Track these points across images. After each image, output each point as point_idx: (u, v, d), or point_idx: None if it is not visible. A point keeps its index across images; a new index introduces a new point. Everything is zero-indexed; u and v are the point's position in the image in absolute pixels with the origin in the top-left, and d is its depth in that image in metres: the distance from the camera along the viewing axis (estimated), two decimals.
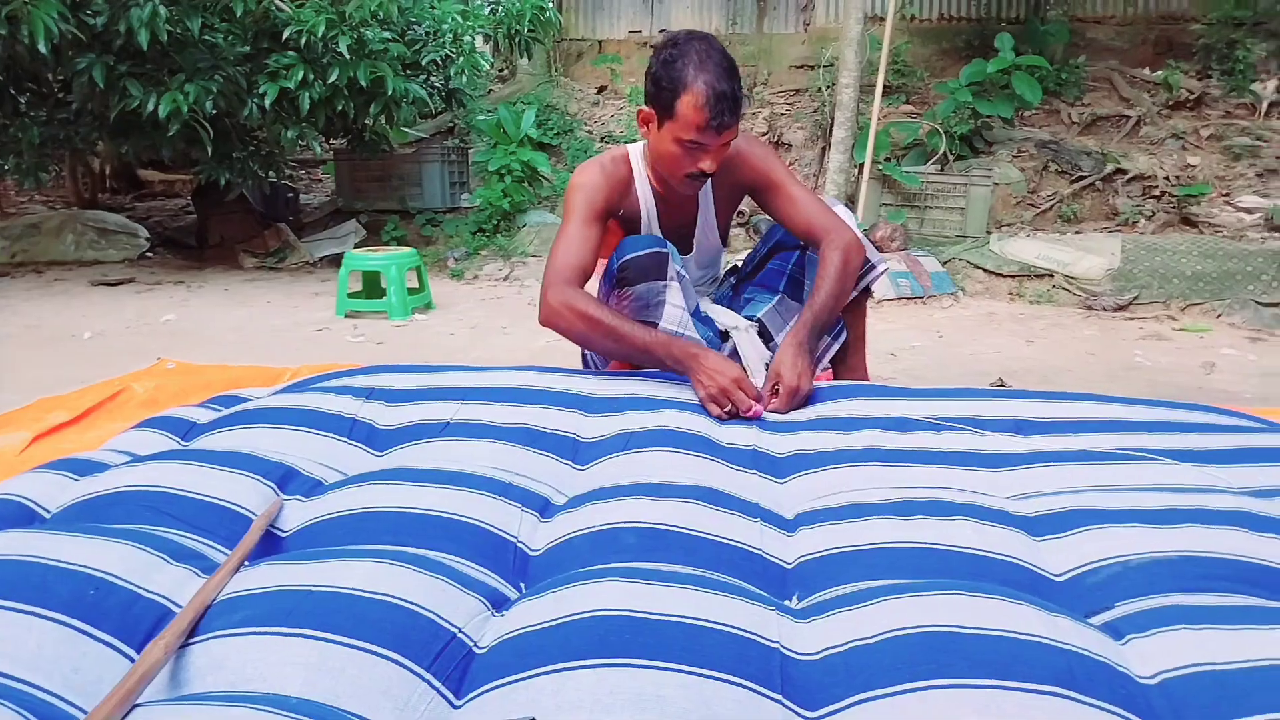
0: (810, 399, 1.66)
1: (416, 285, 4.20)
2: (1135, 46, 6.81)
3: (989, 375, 2.94)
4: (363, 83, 4.41)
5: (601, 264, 1.92)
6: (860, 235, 1.88)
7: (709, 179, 1.82)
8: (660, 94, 1.71)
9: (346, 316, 4.01)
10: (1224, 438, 1.45)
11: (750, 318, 1.99)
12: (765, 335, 1.97)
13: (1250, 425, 1.56)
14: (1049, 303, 4.44)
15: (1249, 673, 0.79)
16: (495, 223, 5.30)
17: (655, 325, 1.77)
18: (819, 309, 1.78)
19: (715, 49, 1.70)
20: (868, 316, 2.10)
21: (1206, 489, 1.22)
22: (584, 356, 2.10)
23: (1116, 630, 0.89)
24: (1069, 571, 1.03)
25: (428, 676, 0.81)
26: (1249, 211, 5.24)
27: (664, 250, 1.81)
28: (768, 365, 1.91)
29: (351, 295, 4.10)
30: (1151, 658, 0.84)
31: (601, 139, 6.54)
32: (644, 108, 1.78)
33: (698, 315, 1.97)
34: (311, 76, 4.42)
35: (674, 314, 1.80)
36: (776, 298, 2.01)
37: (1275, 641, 0.82)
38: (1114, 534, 1.07)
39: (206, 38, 4.39)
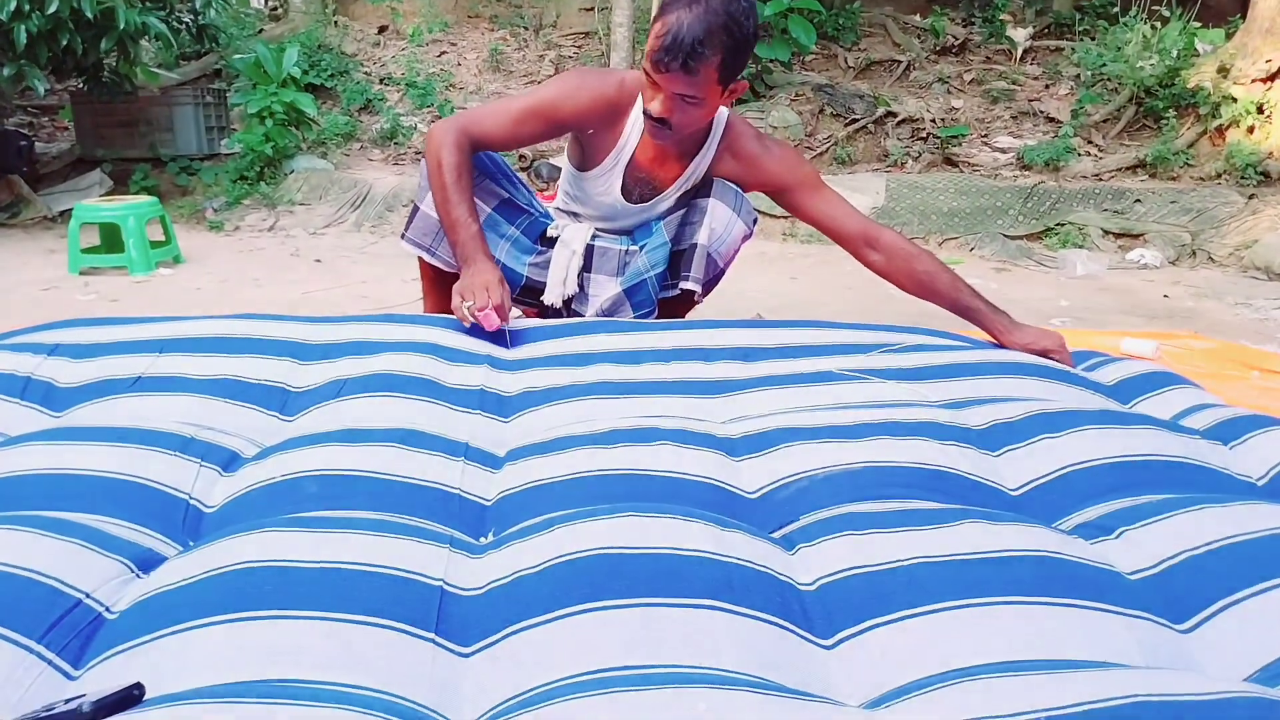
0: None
1: (162, 237, 3.87)
2: None
3: (750, 312, 3.02)
4: (89, 14, 3.97)
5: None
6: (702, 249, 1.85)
7: (666, 138, 1.73)
8: (655, 14, 1.68)
9: (80, 274, 3.65)
10: (932, 356, 1.53)
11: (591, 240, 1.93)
12: (587, 266, 1.92)
13: (958, 344, 1.66)
14: (819, 242, 4.61)
15: (896, 572, 0.82)
16: (258, 170, 4.95)
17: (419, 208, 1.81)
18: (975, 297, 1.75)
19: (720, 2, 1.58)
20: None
21: (903, 403, 1.27)
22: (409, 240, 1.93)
23: (790, 541, 0.91)
24: (761, 488, 1.05)
25: (38, 648, 0.72)
26: (1003, 151, 5.63)
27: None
28: (568, 300, 1.90)
29: (88, 250, 3.73)
30: (813, 565, 0.85)
31: (381, 80, 6.24)
32: None
33: (515, 215, 1.92)
34: (27, 6, 3.92)
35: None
36: (629, 245, 1.92)
37: (926, 541, 0.86)
38: (806, 450, 1.09)
39: None
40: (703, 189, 1.89)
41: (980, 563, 0.81)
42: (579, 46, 6.91)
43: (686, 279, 1.88)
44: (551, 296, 1.90)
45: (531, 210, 1.97)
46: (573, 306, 1.93)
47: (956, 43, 6.68)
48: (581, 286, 1.92)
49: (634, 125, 1.83)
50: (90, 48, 4.21)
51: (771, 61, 5.98)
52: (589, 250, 1.92)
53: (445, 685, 0.71)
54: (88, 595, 0.78)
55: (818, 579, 0.83)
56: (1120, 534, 0.88)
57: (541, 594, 0.77)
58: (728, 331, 1.63)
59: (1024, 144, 5.57)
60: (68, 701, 0.64)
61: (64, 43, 4.08)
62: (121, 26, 4.06)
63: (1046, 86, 6.33)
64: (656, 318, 1.94)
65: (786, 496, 1.03)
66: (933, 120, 5.90)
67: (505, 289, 1.63)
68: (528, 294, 1.93)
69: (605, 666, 0.70)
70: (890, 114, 5.95)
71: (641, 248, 1.90)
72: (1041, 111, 6.02)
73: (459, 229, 1.69)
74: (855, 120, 5.93)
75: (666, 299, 1.93)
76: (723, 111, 1.85)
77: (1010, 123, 6.03)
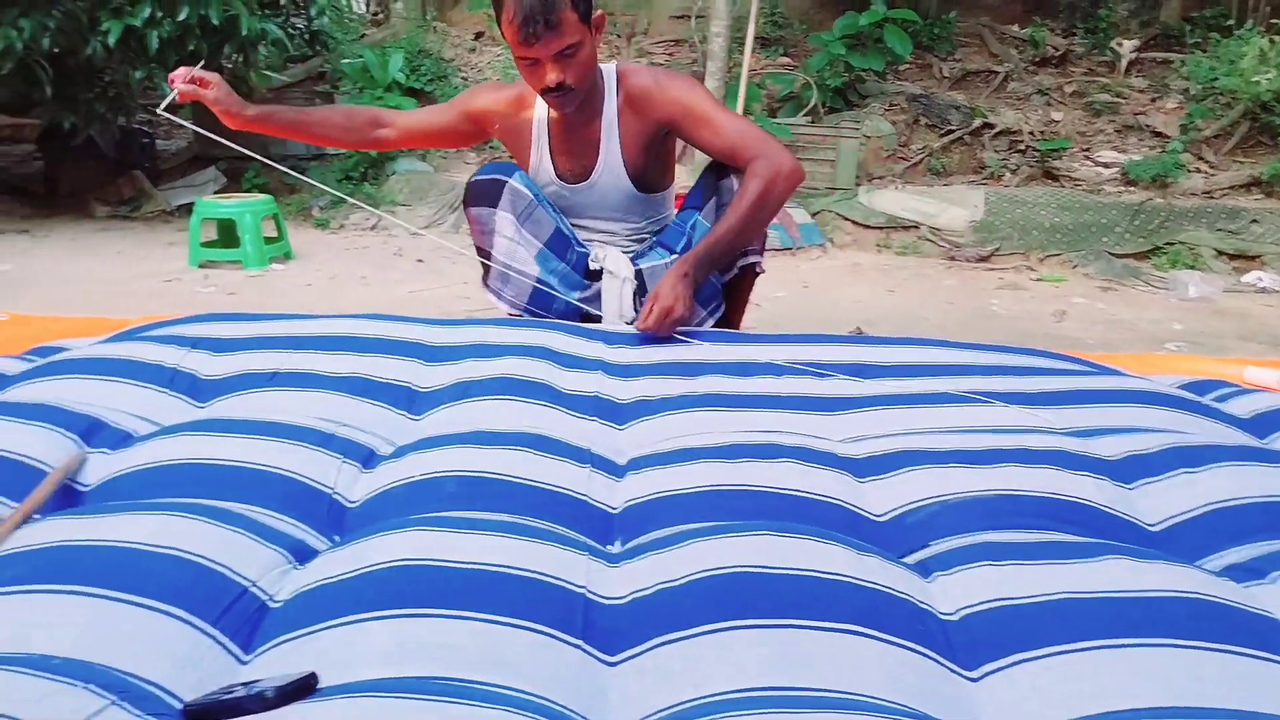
0: (683, 326, 1.64)
1: (275, 234, 4.02)
2: (1005, 3, 6.99)
3: (849, 324, 3.00)
4: (215, 21, 4.16)
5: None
6: (796, 163, 1.79)
7: (574, 100, 1.78)
8: (495, 12, 1.71)
9: (200, 267, 3.81)
10: (1055, 380, 1.50)
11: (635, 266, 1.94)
12: (643, 290, 1.91)
13: (1080, 369, 1.62)
14: (914, 254, 4.56)
15: (1042, 607, 0.81)
16: (362, 171, 5.11)
17: (491, 253, 1.84)
18: (716, 239, 1.73)
19: None
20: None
21: (1029, 429, 1.25)
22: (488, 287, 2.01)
23: (926, 568, 0.91)
24: (890, 512, 1.04)
25: (213, 632, 0.77)
26: (1106, 166, 5.47)
27: (503, 178, 1.81)
28: (629, 323, 1.88)
29: (206, 245, 3.90)
30: (954, 594, 0.85)
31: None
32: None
33: (566, 249, 1.92)
34: (159, 13, 4.13)
35: (502, 244, 1.82)
36: (670, 257, 1.92)
37: (1071, 575, 0.84)
38: (935, 474, 1.09)
39: None
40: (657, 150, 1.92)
41: (1130, 601, 0.80)
42: (670, 54, 6.94)
43: (747, 254, 1.90)
44: (612, 324, 1.88)
45: (573, 241, 1.97)
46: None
47: (1057, 54, 6.52)
48: (636, 311, 1.90)
49: (539, 114, 1.92)
50: (214, 52, 4.40)
51: (865, 71, 5.92)
52: (639, 275, 1.92)
53: (593, 692, 0.73)
54: (253, 583, 0.83)
55: (960, 609, 0.83)
56: (1275, 578, 0.86)
57: (686, 608, 0.78)
58: (840, 347, 1.62)
59: (1129, 159, 5.41)
60: (246, 686, 0.68)
61: (190, 48, 4.27)
62: (244, 33, 4.23)
63: (1153, 100, 6.14)
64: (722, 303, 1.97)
65: (916, 521, 1.02)
66: (1031, 132, 5.78)
67: (221, 88, 1.79)
68: (586, 323, 1.92)
69: (754, 686, 0.71)
70: (987, 125, 5.84)
71: (682, 251, 1.90)
72: (1148, 126, 5.84)
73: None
74: (951, 131, 5.84)
75: (726, 282, 1.95)
76: (610, 66, 1.90)
77: (1114, 137, 5.86)
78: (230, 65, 4.88)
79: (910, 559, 0.95)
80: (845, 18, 5.81)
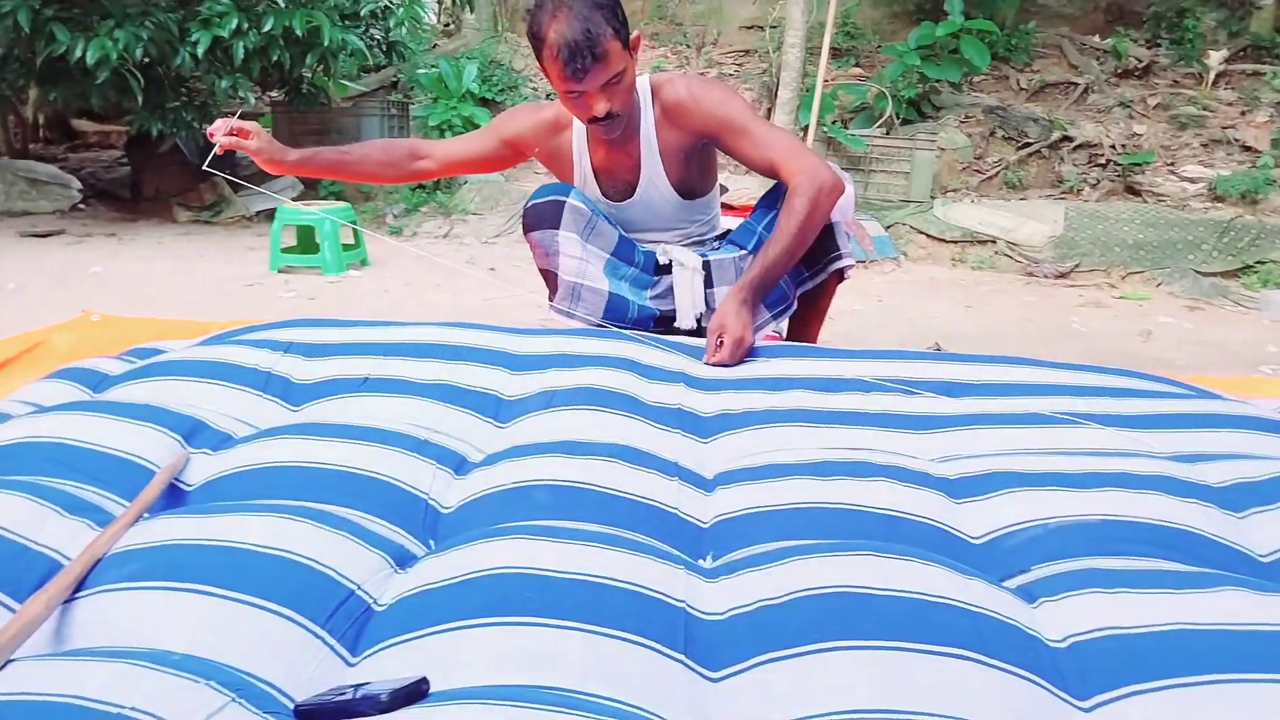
0: (751, 354, 1.64)
1: (352, 241, 4.11)
2: (1086, 13, 6.85)
3: (926, 340, 2.95)
4: (299, 32, 4.28)
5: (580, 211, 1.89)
6: (840, 174, 1.80)
7: (620, 124, 1.78)
8: (534, 49, 1.72)
9: (280, 271, 3.91)
10: (1152, 403, 1.46)
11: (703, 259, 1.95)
12: (708, 282, 1.94)
13: (1179, 391, 1.57)
14: (991, 269, 4.48)
15: (1157, 637, 0.78)
16: (435, 180, 5.20)
17: (555, 275, 1.84)
18: (769, 264, 1.72)
19: None
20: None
21: (1131, 453, 1.21)
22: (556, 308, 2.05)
23: (1030, 593, 0.89)
24: (987, 534, 1.02)
25: (322, 634, 0.78)
26: (1192, 181, 5.32)
27: (561, 199, 1.81)
28: (699, 318, 1.90)
29: (286, 250, 4.00)
30: (1062, 621, 0.83)
31: (546, 95, 6.43)
32: None
33: (632, 252, 1.94)
34: (246, 25, 4.27)
35: (569, 264, 1.83)
36: (740, 253, 1.94)
37: (1185, 606, 0.82)
38: (1034, 497, 1.06)
39: None
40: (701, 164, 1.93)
41: (1249, 635, 0.77)
42: (739, 65, 6.93)
43: (838, 258, 1.89)
44: (684, 320, 1.92)
45: (636, 244, 1.99)
46: (702, 324, 1.93)
47: (1140, 65, 6.36)
48: (708, 303, 1.94)
49: (578, 134, 1.92)
50: (297, 62, 4.52)
51: (939, 82, 5.84)
52: (705, 267, 1.93)
53: (697, 708, 0.73)
54: (359, 587, 0.84)
55: (1068, 636, 0.81)
56: None
57: (788, 626, 0.78)
58: (925, 364, 1.60)
59: (1216, 174, 5.25)
60: (356, 688, 0.69)
61: (274, 58, 4.39)
62: (326, 43, 4.34)
63: (1242, 113, 5.95)
64: (797, 311, 1.98)
65: (1015, 545, 1.00)
66: (1113, 146, 5.64)
67: (261, 136, 1.81)
68: (661, 324, 1.94)
69: (859, 708, 0.70)
70: (1066, 138, 5.72)
71: (752, 250, 1.90)
72: (1237, 140, 5.66)
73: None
74: (1028, 144, 5.73)
75: (807, 291, 1.94)
76: (644, 79, 1.88)
77: (1200, 151, 5.69)
78: (309, 75, 5.01)
79: (1010, 583, 0.93)
80: (921, 28, 5.75)
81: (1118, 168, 5.42)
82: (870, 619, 0.77)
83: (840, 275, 1.94)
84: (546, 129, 1.96)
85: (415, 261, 4.20)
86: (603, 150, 1.91)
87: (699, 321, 1.93)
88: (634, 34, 1.74)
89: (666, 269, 1.94)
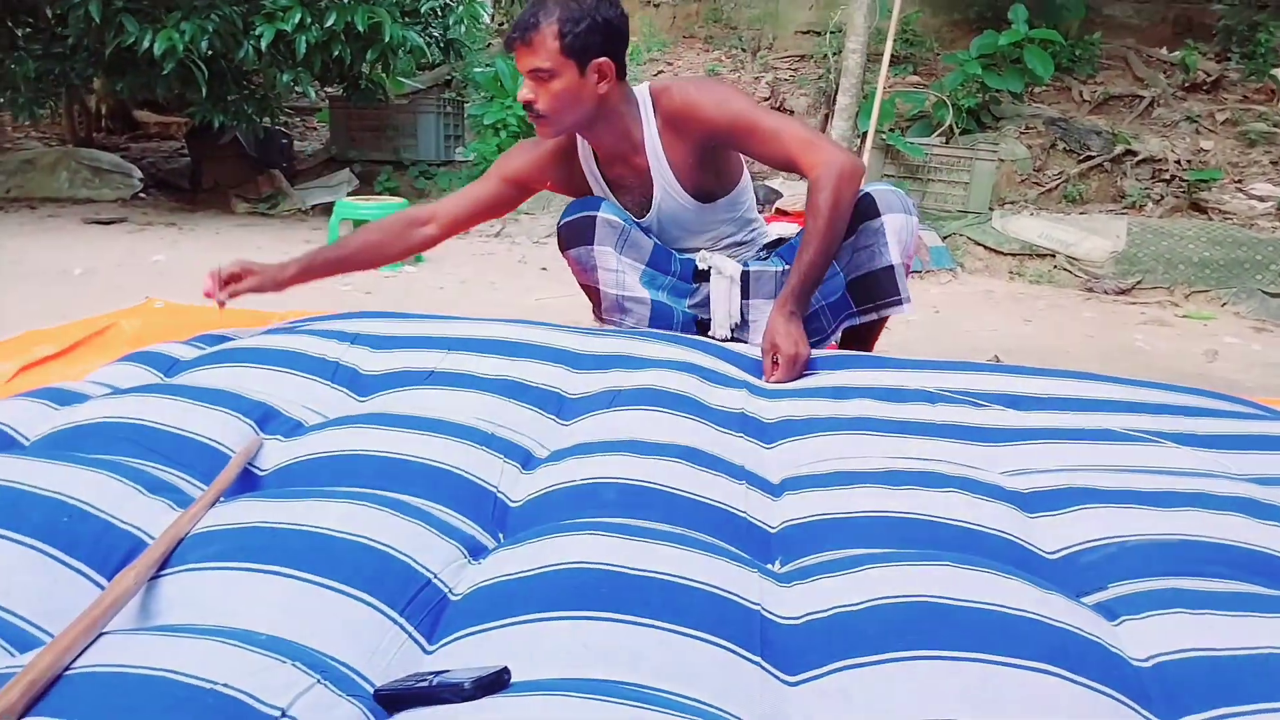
0: (809, 365, 1.62)
1: None
2: (1153, 25, 6.71)
3: (984, 353, 2.91)
4: (360, 28, 4.33)
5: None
6: (852, 157, 1.73)
7: (546, 125, 1.77)
8: None
9: None
10: (1226, 423, 1.43)
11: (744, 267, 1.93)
12: (745, 293, 1.92)
13: (1253, 412, 1.53)
14: (1049, 283, 4.41)
15: (1247, 660, 0.77)
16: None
17: (598, 289, 1.85)
18: (805, 270, 1.68)
19: None
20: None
21: (1207, 473, 1.19)
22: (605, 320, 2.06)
23: (1110, 611, 0.87)
24: (1062, 550, 1.01)
25: (400, 620, 0.79)
26: (1261, 199, 5.18)
27: (592, 214, 1.81)
28: (734, 327, 1.90)
29: None
30: (1146, 640, 0.81)
31: None
32: None
33: (669, 261, 1.93)
34: (309, 20, 4.33)
35: (608, 278, 1.84)
36: (783, 267, 1.90)
37: (1275, 630, 0.80)
38: (1110, 514, 1.04)
39: None
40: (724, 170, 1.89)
41: None
42: (795, 70, 6.89)
43: (897, 304, 1.83)
44: (719, 329, 1.91)
45: (674, 252, 1.97)
46: (736, 335, 1.92)
47: (1209, 79, 6.21)
48: (743, 314, 1.92)
49: (587, 160, 1.91)
50: (357, 58, 4.58)
51: (999, 92, 5.76)
52: (744, 276, 1.90)
53: (774, 711, 0.72)
54: (435, 576, 0.85)
55: (1153, 656, 0.79)
56: None
57: (867, 633, 0.77)
58: (990, 376, 1.58)
59: None
60: (436, 675, 0.69)
61: (335, 53, 4.46)
62: (386, 39, 4.38)
63: None
64: (840, 344, 1.95)
65: (1091, 562, 0.98)
66: (1178, 161, 5.52)
67: (251, 273, 1.78)
68: (698, 332, 1.93)
69: (941, 718, 0.69)
70: (1129, 152, 5.60)
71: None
72: None
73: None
74: (1090, 157, 5.62)
75: (855, 326, 1.90)
76: (643, 87, 1.84)
77: (1270, 169, 5.55)
78: (368, 71, 5.07)
79: (1088, 600, 0.91)
80: (984, 36, 5.67)
81: (1183, 184, 5.30)
82: (952, 629, 0.76)
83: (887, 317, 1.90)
84: (550, 160, 1.94)
85: (469, 259, 4.23)
86: (614, 168, 1.90)
87: (733, 331, 1.92)
88: (601, 59, 1.70)
89: (705, 275, 1.93)
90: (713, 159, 1.86)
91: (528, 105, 1.75)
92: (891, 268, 1.79)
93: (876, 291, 1.83)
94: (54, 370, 1.69)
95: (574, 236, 1.86)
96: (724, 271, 1.90)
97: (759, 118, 1.76)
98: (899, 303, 1.82)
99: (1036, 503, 1.09)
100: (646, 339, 1.67)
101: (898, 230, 1.78)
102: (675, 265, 1.94)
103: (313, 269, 1.88)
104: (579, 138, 1.89)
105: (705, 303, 1.92)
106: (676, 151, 1.83)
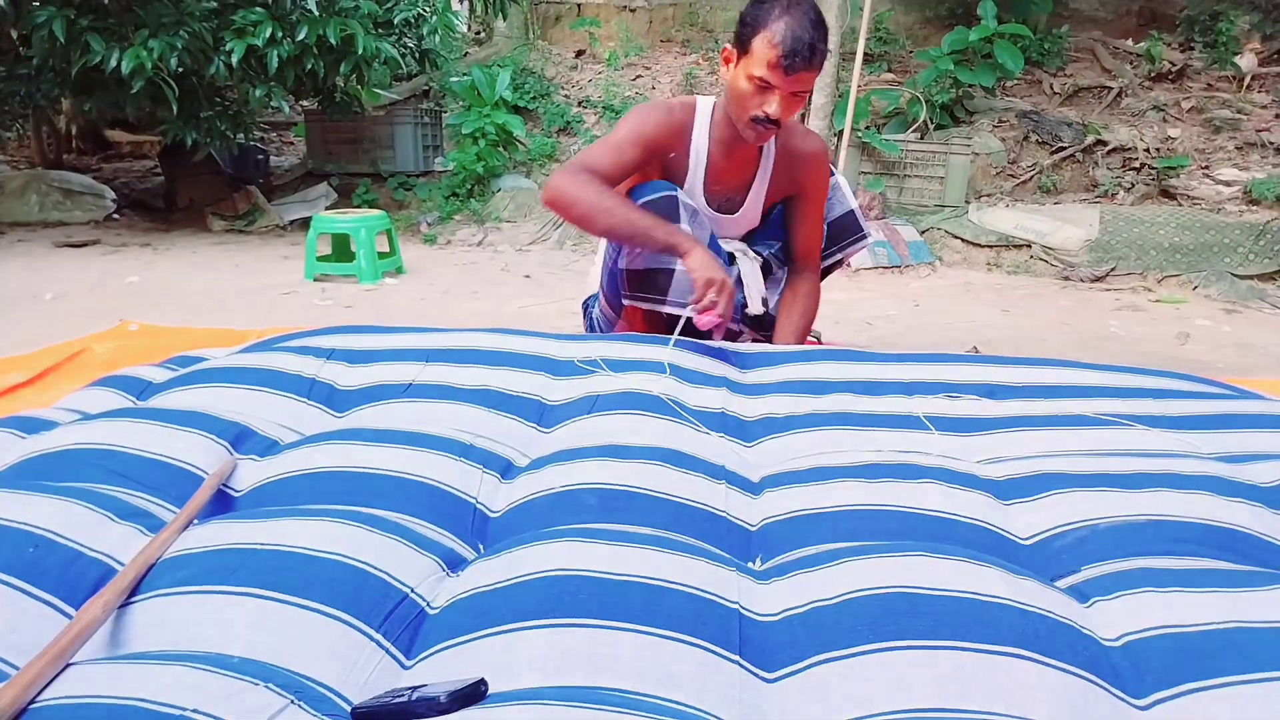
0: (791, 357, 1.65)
1: (387, 249, 4.13)
2: (1119, 17, 6.78)
3: (964, 344, 2.93)
4: (332, 41, 4.31)
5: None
6: (859, 211, 2.08)
7: (773, 134, 1.83)
8: (742, 30, 1.75)
9: (315, 280, 3.94)
10: (1196, 404, 1.44)
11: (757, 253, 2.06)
12: (767, 271, 2.05)
13: (1221, 392, 1.55)
14: (1026, 273, 4.44)
15: (1213, 635, 0.78)
16: (469, 187, 5.21)
17: (671, 271, 1.83)
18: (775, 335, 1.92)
19: (808, 3, 1.73)
20: (843, 290, 2.14)
21: (1177, 454, 1.21)
22: (588, 320, 2.07)
23: (1081, 593, 0.88)
24: (1036, 535, 1.02)
25: (377, 636, 0.78)
26: (1228, 184, 5.25)
27: (672, 193, 1.82)
28: (765, 300, 2.00)
29: (321, 259, 4.03)
30: (1115, 620, 0.82)
31: (579, 103, 6.45)
32: (727, 45, 1.81)
33: (718, 249, 1.98)
34: (280, 34, 4.31)
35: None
36: (779, 245, 2.07)
37: (1240, 605, 0.81)
38: (1082, 498, 1.05)
39: None
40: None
41: None
42: None
43: (863, 238, 2.13)
44: (755, 306, 1.98)
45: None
46: (770, 311, 2.04)
47: (1174, 69, 6.29)
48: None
49: (699, 142, 1.93)
50: (330, 71, 4.56)
51: (971, 87, 5.81)
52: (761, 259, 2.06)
53: (753, 709, 0.73)
54: (412, 590, 0.84)
55: (1123, 635, 0.80)
56: None
57: (843, 627, 0.77)
58: (966, 367, 1.59)
59: (1251, 177, 5.18)
60: (413, 690, 0.69)
61: (308, 66, 4.43)
62: (360, 52, 4.37)
63: (1277, 116, 5.87)
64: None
65: (1064, 546, 0.99)
66: (1147, 150, 5.58)
67: (734, 296, 1.73)
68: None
69: (918, 707, 0.69)
70: (1100, 142, 5.66)
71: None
72: (1271, 143, 5.59)
73: (651, 230, 1.74)
74: (1062, 148, 5.68)
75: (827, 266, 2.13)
76: None
77: (1235, 154, 5.62)
78: (343, 83, 5.05)
79: (1061, 583, 0.92)
80: (955, 33, 5.71)
81: (1152, 171, 5.36)
82: (926, 618, 0.77)
83: (842, 263, 2.13)
84: (676, 131, 1.91)
85: (450, 269, 4.22)
86: (723, 163, 1.93)
87: (766, 306, 2.03)
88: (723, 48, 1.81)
89: (732, 259, 2.01)
90: (779, 195, 2.03)
91: (774, 121, 1.77)
92: (852, 211, 2.09)
93: (843, 234, 2.10)
94: (24, 398, 1.68)
95: (574, 186, 1.79)
96: (748, 254, 2.02)
97: (819, 210, 2.03)
98: (864, 238, 2.12)
99: (1011, 490, 1.10)
100: (623, 341, 1.67)
101: (848, 183, 2.12)
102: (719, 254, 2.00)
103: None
104: (699, 120, 1.92)
105: (738, 282, 1.97)
106: (777, 180, 1.99)
